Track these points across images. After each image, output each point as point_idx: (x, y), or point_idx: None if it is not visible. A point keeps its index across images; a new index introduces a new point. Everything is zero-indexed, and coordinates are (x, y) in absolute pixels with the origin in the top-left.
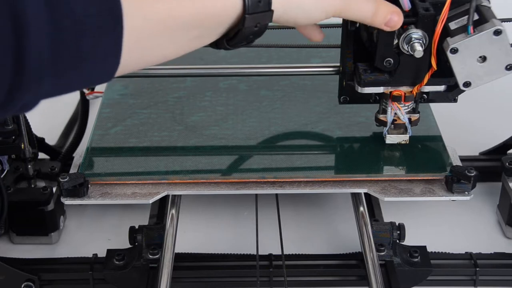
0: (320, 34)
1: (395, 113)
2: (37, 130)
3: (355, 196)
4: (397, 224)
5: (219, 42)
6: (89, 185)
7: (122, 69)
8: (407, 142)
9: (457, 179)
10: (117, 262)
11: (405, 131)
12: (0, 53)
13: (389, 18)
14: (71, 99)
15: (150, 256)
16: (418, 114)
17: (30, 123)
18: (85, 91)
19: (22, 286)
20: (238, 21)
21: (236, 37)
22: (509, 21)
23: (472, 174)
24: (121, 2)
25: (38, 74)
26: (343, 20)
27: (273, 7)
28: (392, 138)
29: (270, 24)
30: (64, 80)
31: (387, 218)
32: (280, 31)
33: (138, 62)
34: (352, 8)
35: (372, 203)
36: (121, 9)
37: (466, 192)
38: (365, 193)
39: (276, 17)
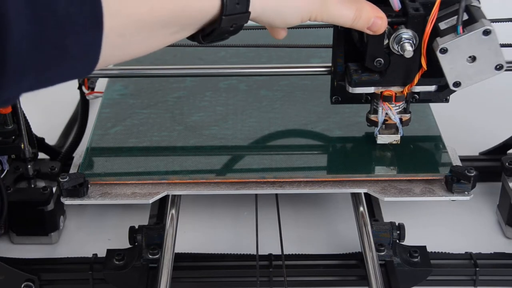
0: (284, 32)
1: (386, 113)
2: (37, 130)
3: (355, 196)
4: (397, 224)
5: (195, 36)
6: (89, 185)
7: (102, 64)
8: (399, 142)
9: (457, 179)
10: (117, 262)
11: (396, 131)
12: None
13: (373, 21)
14: (71, 99)
15: (150, 256)
16: (409, 114)
17: (30, 123)
18: (85, 91)
19: (22, 286)
20: (215, 20)
21: (211, 34)
22: (499, 22)
23: (472, 174)
24: (101, 1)
25: (19, 73)
26: None
27: (250, 9)
28: (383, 138)
29: None
30: (45, 76)
31: (387, 218)
32: None
33: (117, 57)
34: (331, 12)
35: (372, 203)
36: (102, 8)
37: (466, 192)
38: (365, 193)
39: (252, 19)
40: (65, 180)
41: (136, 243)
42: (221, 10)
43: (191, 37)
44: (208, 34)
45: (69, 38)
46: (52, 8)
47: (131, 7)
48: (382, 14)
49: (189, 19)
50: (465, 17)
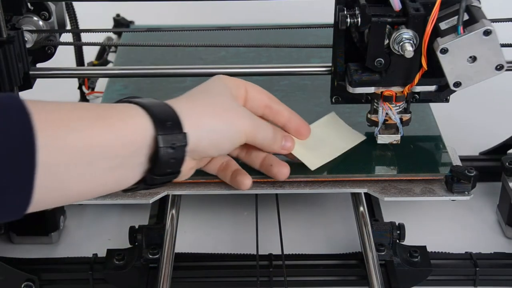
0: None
1: (386, 113)
2: None
3: (355, 196)
4: (397, 224)
5: (147, 179)
6: None
7: (36, 205)
8: (399, 142)
9: (457, 179)
10: (117, 262)
11: (396, 131)
12: None
13: (283, 144)
14: (71, 99)
15: (150, 256)
16: (409, 114)
17: None
18: (85, 91)
19: (22, 286)
20: (154, 145)
21: (156, 164)
22: (499, 22)
23: (472, 174)
24: (35, 136)
25: None
26: (334, 19)
27: (185, 130)
28: (383, 138)
29: (269, 24)
30: None
31: (387, 218)
32: (280, 31)
33: (54, 197)
34: (259, 134)
35: (372, 203)
36: (35, 143)
37: (466, 192)
38: (365, 193)
39: (193, 143)
40: None
41: (136, 243)
42: (155, 129)
43: (144, 182)
44: (154, 166)
45: (1, 174)
46: None
47: (64, 138)
48: (290, 136)
49: (126, 149)
50: (466, 17)
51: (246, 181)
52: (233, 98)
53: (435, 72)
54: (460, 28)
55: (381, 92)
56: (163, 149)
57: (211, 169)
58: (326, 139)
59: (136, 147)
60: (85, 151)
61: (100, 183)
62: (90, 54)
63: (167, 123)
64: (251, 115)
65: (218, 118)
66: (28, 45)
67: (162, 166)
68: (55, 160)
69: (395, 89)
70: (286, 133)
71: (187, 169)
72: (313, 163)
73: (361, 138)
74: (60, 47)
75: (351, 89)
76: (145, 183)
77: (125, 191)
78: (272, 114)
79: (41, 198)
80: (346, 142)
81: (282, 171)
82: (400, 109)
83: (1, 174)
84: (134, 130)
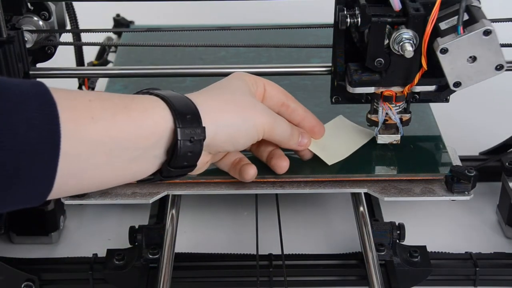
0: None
1: (386, 113)
2: None
3: (355, 196)
4: (397, 224)
5: (163, 170)
6: None
7: (56, 193)
8: (399, 142)
9: (457, 179)
10: (117, 262)
11: (396, 131)
12: None
13: (300, 140)
14: None
15: (150, 256)
16: (409, 114)
17: None
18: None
19: (22, 286)
20: (173, 137)
21: (174, 156)
22: (499, 22)
23: (472, 174)
24: (60, 125)
25: None
26: (334, 19)
27: (204, 124)
28: (383, 138)
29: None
30: None
31: (387, 218)
32: (280, 31)
33: (74, 185)
34: (277, 130)
35: (372, 203)
36: (60, 133)
37: (466, 192)
38: (365, 193)
39: (210, 137)
40: None
41: (136, 243)
42: (175, 123)
43: (161, 173)
44: (171, 158)
45: (25, 162)
46: (13, 132)
47: (87, 129)
48: (306, 133)
49: (146, 140)
50: (466, 17)
51: (250, 171)
52: (252, 94)
53: (435, 72)
54: (460, 28)
55: (381, 92)
56: (181, 142)
57: (224, 165)
58: (339, 137)
59: (155, 139)
60: (106, 142)
61: (118, 174)
62: (90, 54)
63: (187, 116)
64: (269, 112)
65: (236, 113)
66: (28, 45)
67: (179, 159)
68: (76, 150)
69: (395, 89)
70: (302, 130)
71: (203, 163)
72: (330, 158)
73: (372, 134)
74: (60, 47)
75: (351, 89)
76: (161, 174)
77: (140, 181)
78: (288, 112)
79: (60, 186)
80: (360, 138)
81: (281, 164)
82: (400, 109)
83: (26, 163)
84: (154, 122)
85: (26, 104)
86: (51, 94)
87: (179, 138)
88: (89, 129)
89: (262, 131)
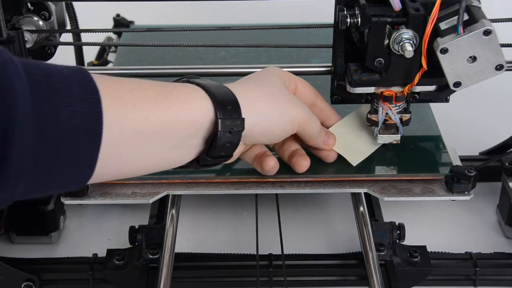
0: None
1: (386, 113)
2: None
3: (355, 196)
4: (397, 224)
5: (200, 159)
6: (89, 185)
7: (95, 178)
8: (399, 142)
9: (457, 179)
10: (117, 262)
11: (396, 131)
12: None
13: (326, 140)
14: None
15: (150, 256)
16: (409, 114)
17: None
18: None
19: (22, 286)
20: (213, 127)
21: (212, 146)
22: (499, 22)
23: (472, 174)
24: (102, 113)
25: (16, 177)
26: (334, 19)
27: (242, 115)
28: (383, 138)
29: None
30: (38, 184)
31: (387, 218)
32: (280, 31)
33: (113, 171)
34: (310, 125)
35: (372, 203)
36: (102, 120)
37: (466, 192)
38: (365, 193)
39: (247, 128)
40: None
41: (136, 243)
42: (216, 114)
43: (197, 162)
44: (210, 148)
45: (67, 148)
46: (57, 118)
47: (128, 117)
48: (332, 134)
49: (185, 130)
50: (466, 17)
51: (270, 162)
52: (286, 89)
53: (435, 72)
54: (460, 28)
55: (381, 92)
56: (221, 133)
57: (248, 158)
58: (360, 134)
59: (195, 128)
60: (146, 130)
61: (156, 161)
62: (90, 54)
63: (227, 107)
64: (304, 106)
65: (274, 106)
66: (28, 45)
67: (218, 149)
68: (117, 138)
69: (395, 89)
70: (328, 130)
71: (237, 153)
72: (354, 159)
73: None
74: (60, 47)
75: (351, 89)
76: (198, 163)
77: (174, 168)
78: (317, 111)
79: (100, 172)
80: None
81: (302, 162)
82: (400, 109)
83: (68, 149)
84: (195, 112)
85: (69, 91)
86: (93, 81)
87: (219, 129)
88: (130, 117)
89: (298, 125)
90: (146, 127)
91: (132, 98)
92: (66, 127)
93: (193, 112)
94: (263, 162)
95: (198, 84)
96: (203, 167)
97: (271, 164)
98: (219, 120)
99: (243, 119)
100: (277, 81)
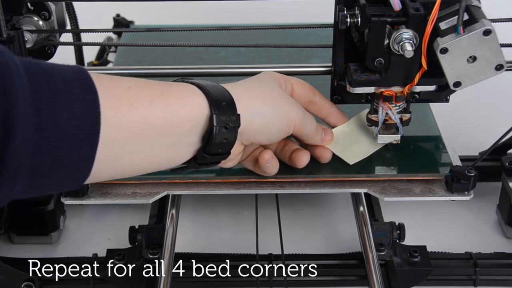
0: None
1: (386, 113)
2: None
3: (355, 196)
4: (397, 224)
5: (198, 157)
6: (89, 185)
7: (93, 177)
8: (399, 142)
9: (457, 179)
10: (117, 262)
11: (396, 131)
12: None
13: (323, 136)
14: None
15: (150, 256)
16: (409, 114)
17: None
18: None
19: (22, 286)
20: (209, 124)
21: (209, 143)
22: (499, 22)
23: (472, 174)
24: (100, 113)
25: (14, 176)
26: (334, 19)
27: (238, 112)
28: (383, 138)
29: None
30: (36, 183)
31: (387, 218)
32: (280, 31)
33: (111, 171)
34: (306, 124)
35: (372, 203)
36: (100, 121)
37: (466, 192)
38: (365, 193)
39: (244, 125)
40: None
41: (136, 243)
42: (210, 109)
43: (195, 160)
44: (206, 145)
45: (65, 148)
46: (56, 119)
47: (126, 116)
48: (329, 129)
49: (183, 127)
50: (466, 17)
51: (266, 155)
52: (283, 90)
53: (435, 72)
54: (460, 28)
55: (381, 92)
56: (217, 128)
57: (249, 163)
58: (360, 136)
59: (191, 125)
60: (144, 128)
61: (154, 160)
62: (90, 54)
63: (222, 103)
64: (300, 106)
65: (270, 104)
66: (28, 45)
67: (215, 145)
68: (114, 137)
69: (395, 89)
70: (325, 126)
71: (236, 153)
72: (351, 158)
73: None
74: (60, 47)
75: (351, 89)
76: (195, 161)
77: (173, 170)
78: (315, 109)
79: (98, 172)
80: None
81: (300, 157)
82: (400, 109)
83: (66, 150)
84: (191, 108)
85: (69, 92)
86: (92, 81)
87: (214, 124)
88: (128, 116)
89: (293, 124)
90: (143, 125)
91: (129, 97)
92: (65, 127)
93: (189, 108)
94: (259, 156)
95: (193, 83)
96: (201, 166)
97: (267, 157)
98: (214, 115)
99: (239, 115)
100: (273, 82)
